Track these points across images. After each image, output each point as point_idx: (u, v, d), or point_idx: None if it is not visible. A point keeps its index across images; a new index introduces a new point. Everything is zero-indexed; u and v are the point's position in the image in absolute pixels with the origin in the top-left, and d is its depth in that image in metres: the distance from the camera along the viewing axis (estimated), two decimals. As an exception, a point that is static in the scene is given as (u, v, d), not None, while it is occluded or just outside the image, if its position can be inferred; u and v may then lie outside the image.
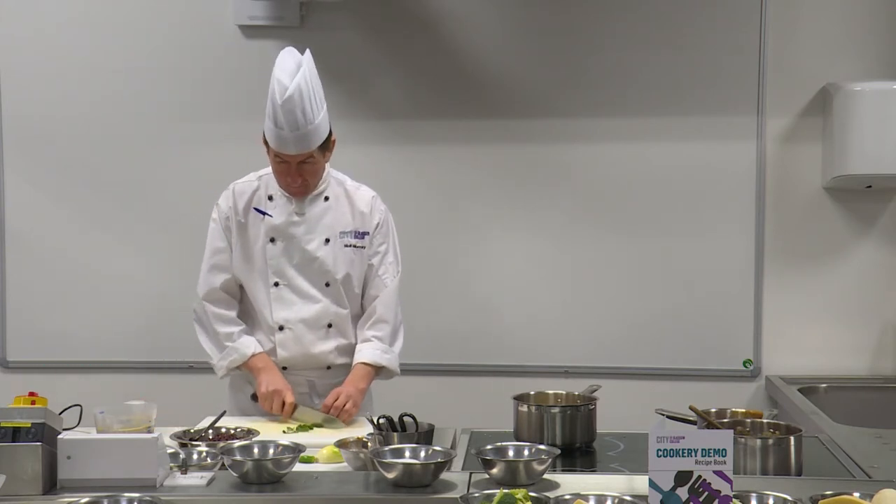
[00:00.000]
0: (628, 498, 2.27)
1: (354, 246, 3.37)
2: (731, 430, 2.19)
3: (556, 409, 3.01)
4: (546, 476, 2.50)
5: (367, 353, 3.34)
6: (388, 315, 3.39)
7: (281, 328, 3.33)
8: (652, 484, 2.11)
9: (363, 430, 3.03)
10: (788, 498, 2.25)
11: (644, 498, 2.17)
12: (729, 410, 3.00)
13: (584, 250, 4.38)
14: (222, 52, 4.41)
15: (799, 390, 4.01)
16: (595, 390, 3.15)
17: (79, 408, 2.81)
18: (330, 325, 3.36)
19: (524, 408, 3.02)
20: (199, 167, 4.45)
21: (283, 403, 3.22)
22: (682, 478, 2.10)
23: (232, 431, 3.00)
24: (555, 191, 4.37)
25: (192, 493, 2.43)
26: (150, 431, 2.77)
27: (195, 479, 2.50)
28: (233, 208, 3.35)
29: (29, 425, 2.42)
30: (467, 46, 4.34)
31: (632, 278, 4.38)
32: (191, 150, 4.46)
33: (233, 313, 3.37)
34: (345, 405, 3.19)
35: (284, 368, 3.35)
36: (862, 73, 4.22)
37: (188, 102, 4.44)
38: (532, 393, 3.16)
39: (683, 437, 2.10)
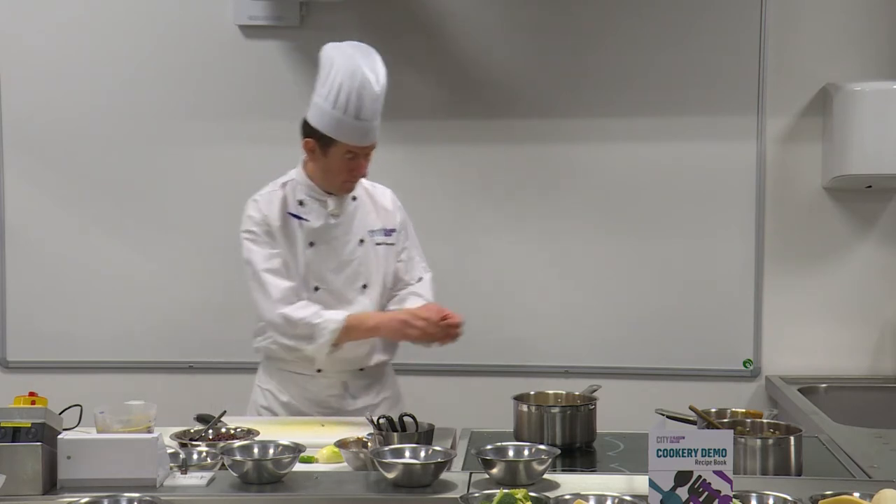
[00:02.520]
0: (628, 498, 2.27)
1: (385, 244, 3.36)
2: (731, 430, 2.19)
3: (556, 409, 3.01)
4: (546, 476, 2.50)
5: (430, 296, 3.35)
6: (433, 301, 3.38)
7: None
8: (652, 484, 2.11)
9: (363, 430, 3.02)
10: (788, 498, 2.25)
11: (644, 498, 2.17)
12: (729, 410, 3.00)
13: (583, 250, 4.38)
14: (222, 52, 4.41)
15: (799, 390, 4.01)
16: (595, 390, 3.15)
17: (79, 408, 2.81)
18: None
19: (524, 408, 3.03)
20: (199, 167, 4.45)
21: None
22: (682, 478, 2.10)
23: (232, 431, 2.99)
24: (554, 191, 4.37)
25: (192, 493, 2.43)
26: (150, 431, 2.77)
27: (195, 479, 2.50)
28: (266, 218, 3.28)
29: (29, 425, 2.42)
30: (468, 46, 4.34)
31: (632, 278, 4.38)
32: (191, 150, 4.45)
33: (305, 301, 3.24)
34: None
35: (319, 371, 3.32)
36: (862, 73, 4.22)
37: (188, 102, 4.44)
38: (532, 393, 3.16)
39: (683, 437, 2.10)
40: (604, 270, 4.37)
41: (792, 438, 2.66)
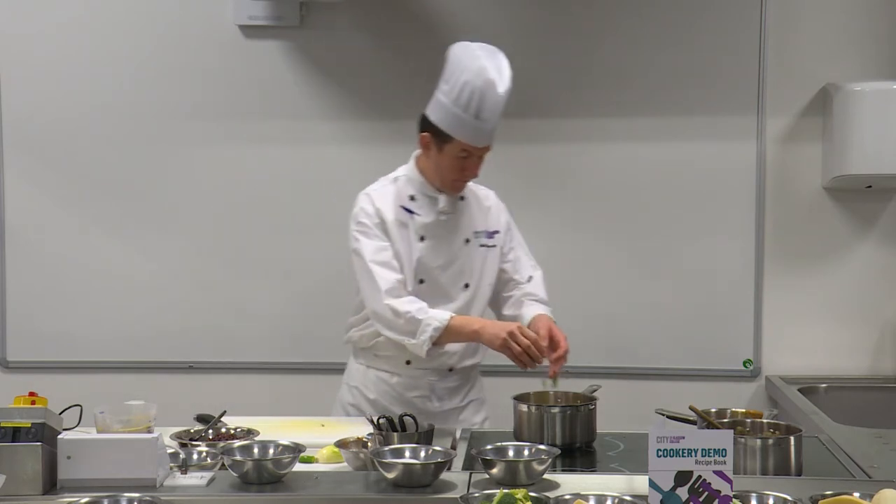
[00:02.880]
0: (628, 498, 2.27)
1: (487, 246, 3.35)
2: (731, 430, 2.19)
3: (556, 409, 3.01)
4: (546, 476, 2.50)
5: (544, 310, 3.32)
6: (546, 299, 3.39)
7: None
8: (652, 484, 2.11)
9: (363, 430, 3.02)
10: (788, 498, 2.25)
11: (644, 498, 2.17)
12: (729, 410, 3.00)
13: (583, 250, 4.38)
14: (222, 52, 4.41)
15: (799, 390, 4.01)
16: (595, 390, 3.15)
17: (79, 408, 2.81)
18: None
19: (524, 408, 3.03)
20: (198, 167, 4.45)
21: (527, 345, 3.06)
22: (682, 478, 2.10)
23: (232, 431, 2.99)
24: (554, 191, 4.37)
25: (192, 493, 2.44)
26: (150, 431, 2.77)
27: (195, 479, 2.50)
28: (379, 210, 3.26)
29: (29, 425, 2.42)
30: (467, 46, 4.34)
31: (631, 278, 4.38)
32: (191, 150, 4.45)
33: (412, 297, 3.19)
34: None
35: (408, 363, 3.30)
36: (862, 73, 4.22)
37: (188, 102, 4.44)
38: (532, 393, 3.16)
39: (683, 437, 2.10)
40: (603, 270, 4.37)
41: (792, 438, 2.66)
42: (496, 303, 3.43)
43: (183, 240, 4.47)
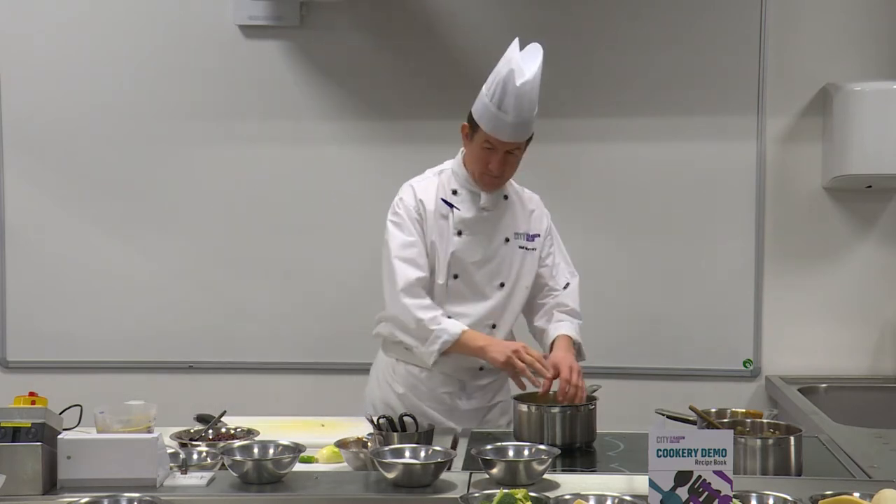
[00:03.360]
0: (628, 498, 2.27)
1: (526, 248, 3.34)
2: (731, 430, 2.19)
3: (556, 409, 3.01)
4: (546, 476, 2.50)
5: (568, 328, 3.29)
6: (579, 311, 3.38)
7: (450, 318, 3.22)
8: (652, 484, 2.11)
9: (363, 430, 3.02)
10: (788, 498, 2.25)
11: (644, 498, 2.17)
12: (729, 410, 3.00)
13: (583, 250, 4.34)
14: (222, 52, 4.41)
15: (799, 390, 4.01)
16: (595, 390, 3.15)
17: (79, 408, 2.81)
18: (494, 326, 3.30)
19: (524, 408, 3.02)
20: (198, 167, 4.45)
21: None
22: (682, 478, 2.10)
23: (232, 431, 2.99)
24: (554, 190, 4.34)
25: (192, 493, 2.44)
26: (150, 431, 2.77)
27: (195, 479, 2.50)
28: (420, 203, 3.25)
29: (29, 425, 2.42)
30: (467, 46, 4.34)
31: (632, 278, 4.38)
32: (191, 150, 4.45)
33: (429, 301, 3.19)
34: (577, 382, 3.08)
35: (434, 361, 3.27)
36: (862, 73, 4.22)
37: (188, 102, 4.44)
38: (532, 393, 3.15)
39: (683, 437, 2.11)
40: (603, 270, 4.37)
41: (792, 438, 2.66)
42: (529, 309, 3.41)
43: (183, 240, 4.47)
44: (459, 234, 3.25)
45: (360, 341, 4.40)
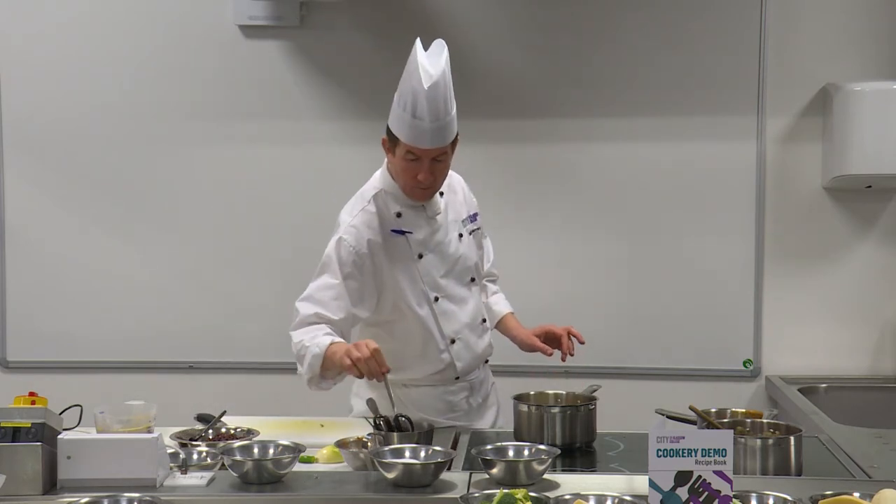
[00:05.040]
0: (628, 498, 2.27)
1: (474, 230, 3.29)
2: (731, 430, 2.19)
3: (556, 409, 3.01)
4: (546, 476, 2.50)
5: (506, 303, 3.45)
6: (495, 271, 3.51)
7: (453, 341, 3.18)
8: (652, 484, 2.11)
9: (363, 430, 3.02)
10: (788, 498, 2.25)
11: (644, 498, 2.17)
12: (729, 410, 3.00)
13: (583, 250, 4.38)
14: (222, 52, 4.41)
15: (799, 390, 4.01)
16: (595, 390, 3.15)
17: (79, 408, 2.81)
18: (483, 321, 3.29)
19: (524, 408, 3.03)
20: (198, 167, 4.45)
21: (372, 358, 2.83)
22: (682, 478, 2.10)
23: (232, 431, 3.00)
24: (554, 190, 4.37)
25: (192, 493, 2.44)
26: (150, 431, 2.77)
27: (195, 479, 2.50)
28: (369, 242, 3.06)
29: (29, 425, 2.42)
30: (468, 46, 4.34)
31: (632, 278, 4.38)
32: (191, 150, 4.45)
33: (317, 329, 2.98)
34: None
35: (457, 379, 3.22)
36: (862, 73, 4.22)
37: (188, 102, 4.44)
38: (532, 393, 3.16)
39: (683, 437, 2.10)
40: (603, 270, 4.37)
41: (792, 438, 2.66)
42: None
43: (183, 240, 4.47)
44: (420, 256, 3.13)
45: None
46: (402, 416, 2.91)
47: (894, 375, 4.33)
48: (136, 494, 2.33)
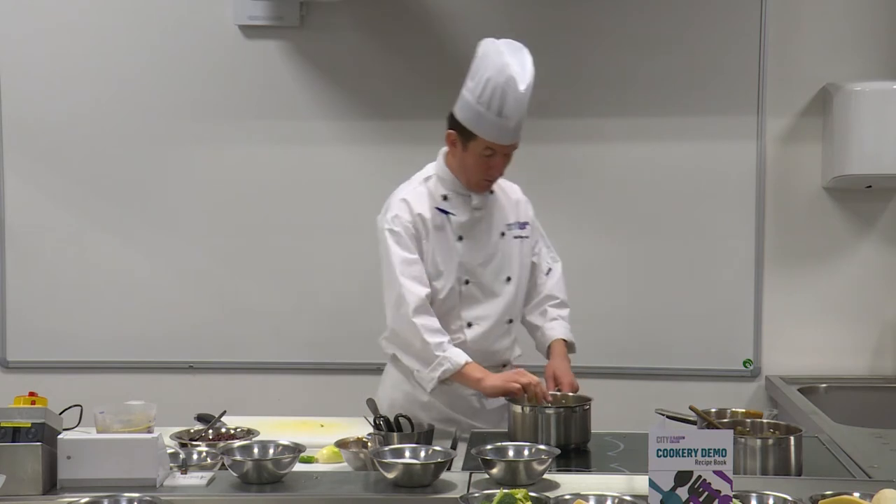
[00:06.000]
0: (628, 498, 2.27)
1: (520, 237, 3.36)
2: (731, 430, 2.19)
3: (551, 410, 3.00)
4: (546, 476, 2.50)
5: (562, 330, 3.38)
6: (566, 299, 3.46)
7: (470, 325, 3.26)
8: (652, 484, 2.11)
9: (363, 430, 3.02)
10: (788, 498, 2.25)
11: (644, 498, 2.17)
12: (729, 410, 3.00)
13: (583, 250, 4.37)
14: (222, 52, 4.41)
15: (799, 390, 4.01)
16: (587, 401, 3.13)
17: (79, 408, 2.81)
18: (510, 321, 3.33)
19: (518, 409, 3.02)
20: (198, 167, 4.45)
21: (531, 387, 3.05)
22: (682, 478, 2.10)
23: (232, 431, 3.00)
24: (554, 190, 4.37)
25: (192, 493, 2.44)
26: (150, 431, 2.77)
27: (195, 479, 2.50)
28: (419, 216, 3.22)
29: (29, 425, 2.42)
30: (468, 46, 4.30)
31: (632, 278, 4.38)
32: (191, 150, 4.45)
33: (437, 323, 3.16)
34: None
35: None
36: (862, 73, 4.22)
37: (188, 102, 4.44)
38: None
39: (683, 437, 2.11)
40: (603, 270, 4.37)
41: (792, 438, 2.66)
42: (525, 299, 3.43)
43: (183, 240, 4.47)
44: (460, 239, 3.26)
45: (361, 341, 4.41)
46: (402, 415, 2.91)
47: (894, 375, 4.33)
48: (136, 494, 2.33)
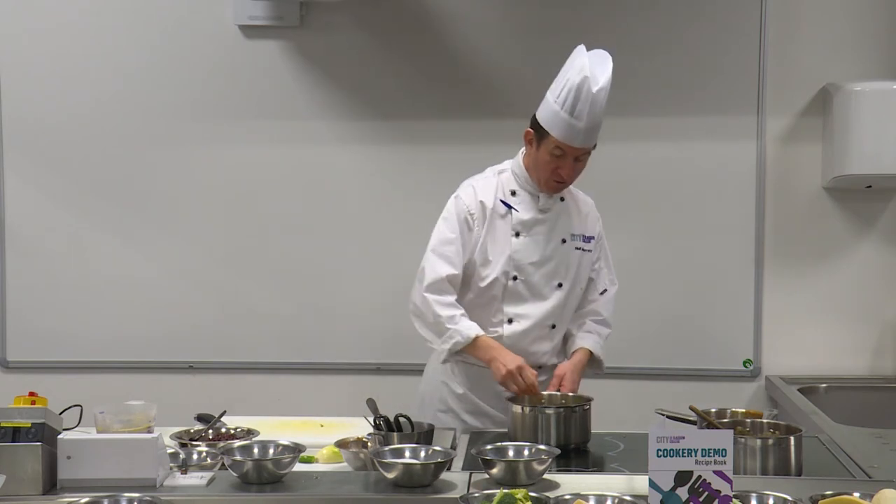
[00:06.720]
0: (628, 498, 2.27)
1: (582, 249, 3.38)
2: (731, 430, 2.20)
3: (551, 411, 3.00)
4: (546, 476, 2.50)
5: (592, 342, 3.38)
6: (610, 320, 3.47)
7: (510, 321, 3.30)
8: (652, 484, 2.11)
9: (363, 430, 3.02)
10: (788, 498, 2.25)
11: (644, 498, 2.17)
12: (729, 410, 3.00)
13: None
14: (222, 52, 4.41)
15: (799, 390, 4.01)
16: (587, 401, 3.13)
17: (79, 408, 2.81)
18: (553, 326, 3.35)
19: (518, 409, 3.02)
20: (198, 167, 4.45)
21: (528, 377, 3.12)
22: (682, 478, 2.10)
23: (232, 431, 2.99)
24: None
25: (192, 493, 2.44)
26: (150, 431, 2.77)
27: (195, 479, 2.50)
28: (480, 204, 3.30)
29: (29, 425, 2.42)
30: (467, 46, 4.34)
31: (632, 278, 4.36)
32: (191, 150, 4.45)
33: (452, 298, 3.25)
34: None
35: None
36: (862, 73, 4.22)
37: (188, 102, 4.44)
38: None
39: (683, 437, 2.11)
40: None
41: (792, 438, 2.66)
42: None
43: (183, 240, 4.47)
44: (517, 235, 3.30)
45: (361, 341, 4.42)
46: (402, 416, 2.92)
47: (894, 375, 4.33)
48: (136, 494, 2.33)
